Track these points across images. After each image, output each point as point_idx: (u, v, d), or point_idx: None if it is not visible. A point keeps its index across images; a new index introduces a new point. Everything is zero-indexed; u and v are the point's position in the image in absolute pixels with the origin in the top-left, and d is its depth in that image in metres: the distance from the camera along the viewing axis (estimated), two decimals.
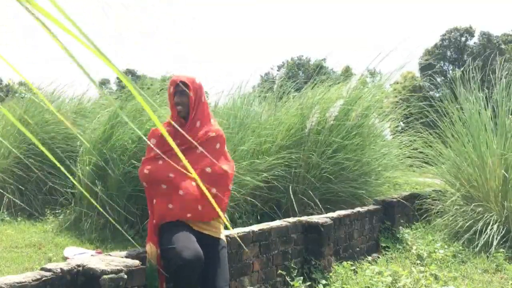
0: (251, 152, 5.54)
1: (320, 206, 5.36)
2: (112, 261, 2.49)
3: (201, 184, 1.00)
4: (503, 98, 6.20)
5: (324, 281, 4.02)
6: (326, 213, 4.90)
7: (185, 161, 0.83)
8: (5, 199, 6.70)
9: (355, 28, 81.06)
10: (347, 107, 5.97)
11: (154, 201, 2.78)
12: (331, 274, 4.19)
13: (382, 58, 6.60)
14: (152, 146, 2.88)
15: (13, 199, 6.62)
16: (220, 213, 2.61)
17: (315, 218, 4.36)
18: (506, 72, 6.42)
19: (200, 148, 2.80)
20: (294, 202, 5.53)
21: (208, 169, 2.80)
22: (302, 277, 3.89)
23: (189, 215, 2.72)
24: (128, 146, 5.48)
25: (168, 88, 2.95)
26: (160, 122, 4.54)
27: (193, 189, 2.73)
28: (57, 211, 6.15)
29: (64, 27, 0.64)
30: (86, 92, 8.37)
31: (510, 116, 6.08)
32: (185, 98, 2.84)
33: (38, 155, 6.96)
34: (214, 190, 2.79)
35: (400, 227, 5.84)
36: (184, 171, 2.62)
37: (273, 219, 4.54)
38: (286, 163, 5.61)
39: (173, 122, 2.87)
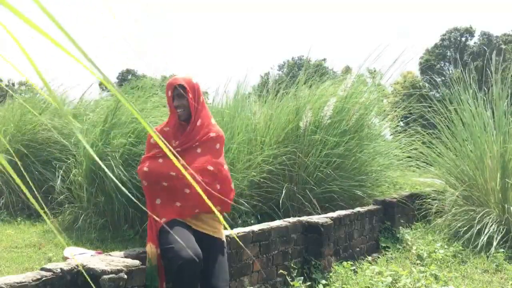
0: (245, 152, 5.53)
1: (318, 206, 5.36)
2: (112, 261, 2.49)
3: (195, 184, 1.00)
4: (501, 97, 6.19)
5: (324, 281, 4.02)
6: (326, 213, 4.90)
7: (178, 164, 0.82)
8: (4, 198, 6.71)
9: (355, 28, 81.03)
10: (343, 106, 5.96)
11: (158, 200, 2.78)
12: (331, 274, 4.19)
13: (377, 55, 6.59)
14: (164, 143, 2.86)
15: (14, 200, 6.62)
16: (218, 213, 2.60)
17: (315, 218, 4.36)
18: (506, 72, 6.42)
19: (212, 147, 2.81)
20: (291, 202, 5.53)
21: (210, 167, 2.81)
22: (302, 277, 3.89)
23: (197, 210, 2.73)
24: (125, 147, 5.47)
25: (166, 92, 2.94)
26: (155, 124, 4.52)
27: (198, 184, 2.73)
28: (56, 211, 6.15)
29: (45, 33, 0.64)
30: (85, 92, 8.35)
31: (509, 116, 6.08)
32: (184, 101, 2.83)
33: (36, 156, 6.97)
34: (218, 186, 2.80)
35: (400, 227, 5.84)
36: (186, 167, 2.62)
37: (273, 219, 4.54)
38: (283, 162, 5.60)
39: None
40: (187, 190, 2.73)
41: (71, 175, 5.91)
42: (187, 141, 2.83)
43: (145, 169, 2.79)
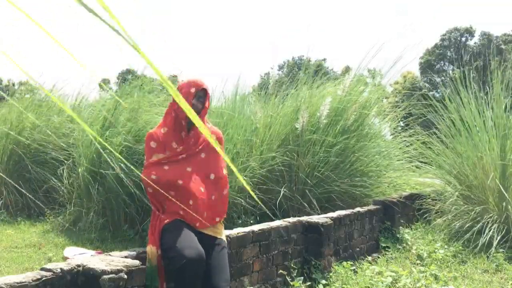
0: (244, 153, 5.52)
1: (318, 206, 5.36)
2: (112, 261, 2.49)
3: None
4: (501, 97, 6.19)
5: (324, 281, 4.02)
6: (325, 213, 4.90)
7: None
8: (3, 199, 6.71)
9: (355, 27, 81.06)
10: (342, 106, 5.95)
11: (165, 206, 2.79)
12: (331, 274, 4.19)
13: (376, 51, 6.56)
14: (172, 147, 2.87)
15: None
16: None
17: (315, 218, 4.36)
18: (506, 72, 6.42)
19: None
20: (290, 203, 5.53)
21: (212, 176, 2.83)
22: (302, 277, 3.89)
23: (198, 224, 2.74)
24: (123, 147, 5.46)
25: (186, 87, 2.85)
26: (154, 125, 4.51)
27: (201, 196, 2.76)
28: (56, 211, 6.15)
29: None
30: (83, 92, 8.31)
31: (508, 116, 6.08)
32: (200, 105, 2.85)
33: (34, 156, 6.97)
34: (215, 197, 2.84)
35: (400, 227, 5.84)
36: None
37: (272, 220, 4.54)
38: (282, 162, 5.59)
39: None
40: (190, 201, 2.74)
41: (71, 175, 5.91)
42: (188, 144, 2.84)
43: (153, 177, 2.77)
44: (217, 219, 2.85)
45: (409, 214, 6.31)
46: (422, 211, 6.41)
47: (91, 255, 2.93)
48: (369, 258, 5.10)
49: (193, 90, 2.84)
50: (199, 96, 2.84)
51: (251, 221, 5.13)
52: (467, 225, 5.68)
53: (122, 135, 5.47)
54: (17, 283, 2.12)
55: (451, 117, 6.55)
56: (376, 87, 7.01)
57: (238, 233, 3.46)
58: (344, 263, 4.39)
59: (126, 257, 2.67)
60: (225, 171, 2.95)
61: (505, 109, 6.14)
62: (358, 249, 5.10)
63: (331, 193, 5.67)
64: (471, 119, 6.28)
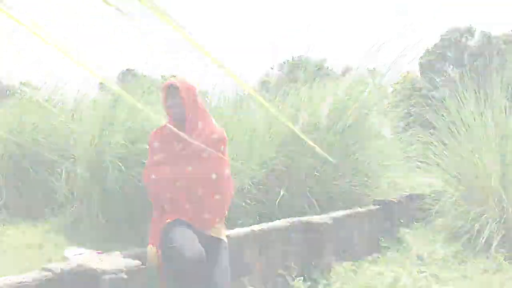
0: (244, 154, 5.51)
1: (318, 206, 5.35)
2: (112, 261, 2.49)
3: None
4: (501, 97, 6.19)
5: (324, 281, 4.02)
6: (325, 213, 4.90)
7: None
8: (4, 199, 6.70)
9: (355, 27, 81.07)
10: (342, 105, 5.95)
11: (165, 206, 2.79)
12: (331, 274, 4.19)
13: (374, 53, 6.54)
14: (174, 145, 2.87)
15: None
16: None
17: (315, 218, 4.36)
18: (507, 72, 6.42)
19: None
20: (290, 203, 5.52)
21: (214, 176, 2.81)
22: (302, 277, 3.89)
23: (197, 225, 2.74)
24: (123, 146, 5.45)
25: (161, 94, 2.96)
26: (158, 124, 4.50)
27: (201, 196, 2.75)
28: (56, 211, 6.14)
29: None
30: (82, 91, 8.24)
31: (508, 116, 6.08)
32: (178, 100, 2.83)
33: (35, 156, 6.96)
34: (217, 197, 2.81)
35: (400, 227, 5.84)
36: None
37: (272, 220, 4.54)
38: (282, 162, 5.59)
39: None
40: (191, 201, 2.74)
41: (71, 175, 5.90)
42: (189, 143, 2.82)
43: (153, 176, 2.78)
44: (218, 219, 2.84)
45: (409, 214, 6.31)
46: (422, 211, 6.41)
47: (91, 255, 2.93)
48: (369, 258, 5.10)
49: (162, 95, 2.89)
50: (171, 95, 2.84)
51: (251, 221, 5.13)
52: (467, 225, 5.68)
53: (123, 134, 5.45)
54: (17, 283, 2.12)
55: (451, 117, 6.55)
56: (376, 87, 7.01)
57: (238, 233, 3.46)
58: (344, 263, 4.39)
59: (126, 257, 2.67)
60: (227, 171, 2.92)
61: (504, 109, 6.14)
62: (358, 249, 5.09)
63: (331, 193, 5.66)
64: (471, 119, 6.28)
